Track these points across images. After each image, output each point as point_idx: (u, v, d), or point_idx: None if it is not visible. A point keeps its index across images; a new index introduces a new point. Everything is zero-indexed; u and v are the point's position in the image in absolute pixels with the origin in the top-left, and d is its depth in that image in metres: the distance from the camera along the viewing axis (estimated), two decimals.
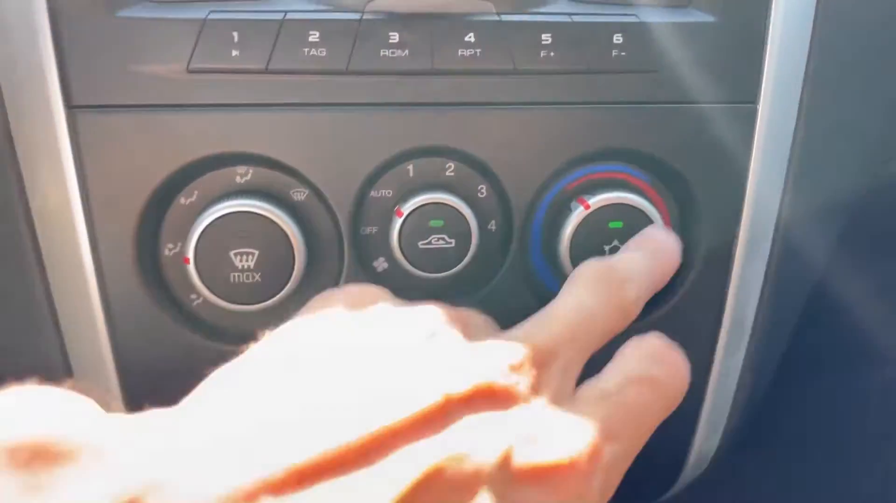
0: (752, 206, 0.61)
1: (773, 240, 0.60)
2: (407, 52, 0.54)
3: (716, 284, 0.59)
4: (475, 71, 0.56)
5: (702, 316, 0.60)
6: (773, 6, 0.58)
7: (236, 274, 0.53)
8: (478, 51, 0.55)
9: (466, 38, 0.54)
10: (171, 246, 0.54)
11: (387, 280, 0.54)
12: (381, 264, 0.55)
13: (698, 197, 0.58)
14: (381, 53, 0.54)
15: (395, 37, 0.54)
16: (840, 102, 0.62)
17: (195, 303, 0.54)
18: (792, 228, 0.60)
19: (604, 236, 0.58)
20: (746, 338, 0.61)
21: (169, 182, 0.54)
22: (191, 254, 0.52)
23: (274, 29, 0.52)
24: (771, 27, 0.59)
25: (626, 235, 0.56)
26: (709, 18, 0.59)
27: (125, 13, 0.52)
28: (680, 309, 0.60)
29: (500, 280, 0.57)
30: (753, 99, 0.58)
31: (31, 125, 0.53)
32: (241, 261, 0.54)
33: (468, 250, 0.55)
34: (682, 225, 0.59)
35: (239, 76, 0.54)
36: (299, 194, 0.56)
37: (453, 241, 0.56)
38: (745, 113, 0.60)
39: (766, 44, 0.59)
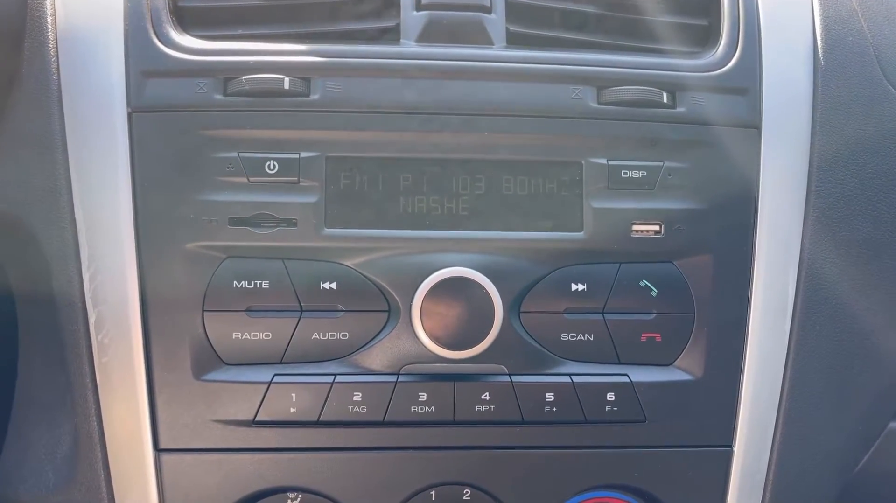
0: None
1: None
2: (433, 408, 0.66)
3: None
4: (490, 422, 0.67)
5: None
6: (746, 365, 0.69)
7: None
8: (492, 407, 0.67)
9: (483, 397, 0.67)
10: None
11: None
12: None
13: None
14: (412, 409, 0.67)
15: (423, 396, 0.66)
16: (811, 438, 0.72)
17: None
18: None
19: None
20: None
21: None
22: None
23: (325, 390, 0.66)
24: (745, 381, 0.70)
25: None
26: (689, 377, 0.68)
27: (208, 376, 0.65)
28: None
29: None
30: (729, 442, 0.69)
31: (124, 465, 0.66)
32: None
33: None
34: None
35: (295, 427, 0.66)
36: None
37: None
38: (722, 455, 0.71)
39: (741, 396, 0.70)
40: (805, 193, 0.69)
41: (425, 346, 0.65)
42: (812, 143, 0.70)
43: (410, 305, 0.65)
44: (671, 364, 0.68)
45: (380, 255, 0.66)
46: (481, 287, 0.64)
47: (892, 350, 0.72)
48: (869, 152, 0.70)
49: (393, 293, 0.66)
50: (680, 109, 0.68)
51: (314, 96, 0.66)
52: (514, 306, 0.67)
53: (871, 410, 0.74)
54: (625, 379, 0.67)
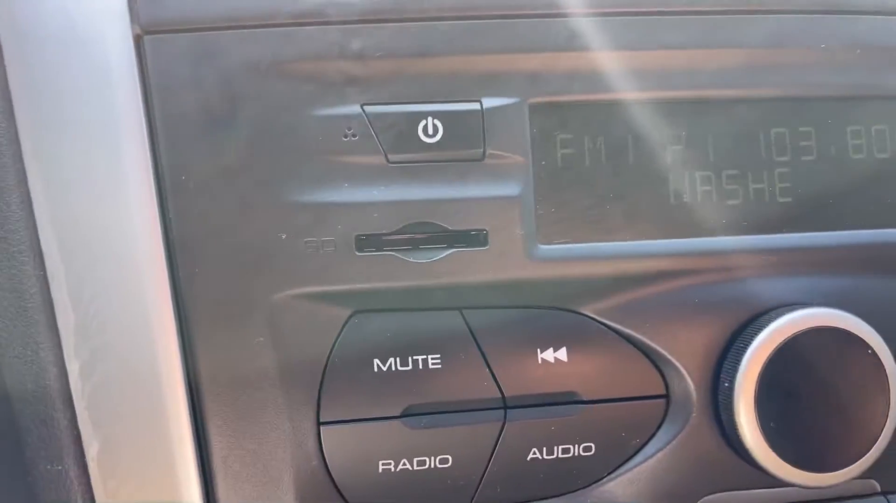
0: None
1: None
2: None
3: None
4: None
5: None
6: None
7: None
8: None
9: None
10: None
11: None
12: None
13: None
14: None
15: None
16: None
17: None
18: None
19: None
20: None
21: None
22: None
23: None
24: None
25: None
26: None
27: None
28: None
29: None
30: None
31: None
32: None
33: None
34: None
35: None
36: None
37: None
38: None
39: None
40: None
41: (757, 464, 0.34)
42: None
43: (721, 387, 0.34)
44: None
45: (646, 292, 0.35)
46: (863, 345, 0.33)
47: None
48: None
49: (678, 364, 0.35)
50: None
51: None
52: None
53: None
54: None
